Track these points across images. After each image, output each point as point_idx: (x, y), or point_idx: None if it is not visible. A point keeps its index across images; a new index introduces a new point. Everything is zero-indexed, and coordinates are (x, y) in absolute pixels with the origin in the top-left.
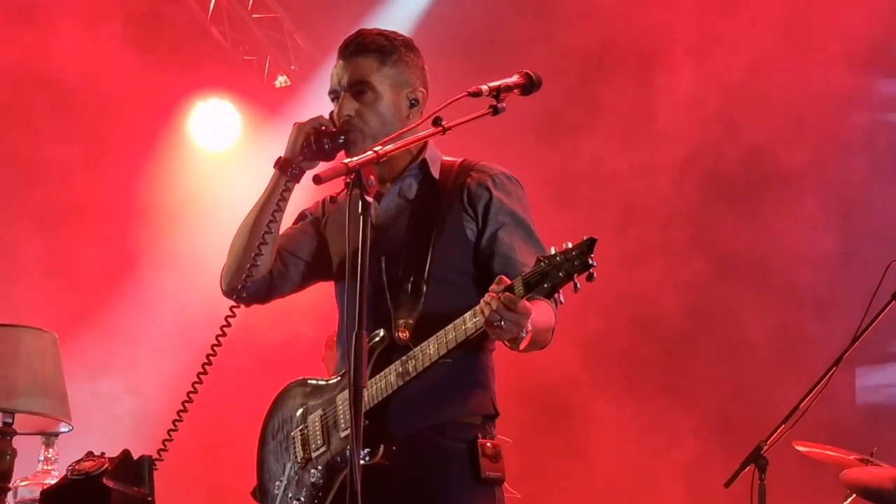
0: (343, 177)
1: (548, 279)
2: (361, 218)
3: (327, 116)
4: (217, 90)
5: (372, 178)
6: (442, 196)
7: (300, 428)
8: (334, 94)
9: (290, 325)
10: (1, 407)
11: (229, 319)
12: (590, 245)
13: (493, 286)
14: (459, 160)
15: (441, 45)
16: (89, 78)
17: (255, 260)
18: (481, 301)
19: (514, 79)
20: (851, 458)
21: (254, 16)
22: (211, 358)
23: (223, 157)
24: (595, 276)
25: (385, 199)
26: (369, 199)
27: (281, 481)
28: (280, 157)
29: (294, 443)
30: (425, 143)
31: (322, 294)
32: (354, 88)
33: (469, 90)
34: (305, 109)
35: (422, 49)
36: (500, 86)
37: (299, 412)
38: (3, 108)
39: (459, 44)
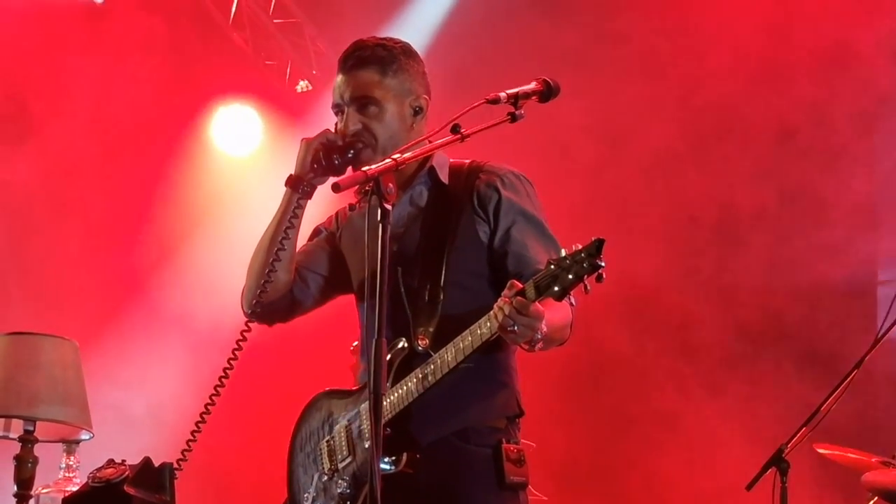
0: (356, 188)
1: (558, 282)
2: (381, 226)
3: (334, 130)
4: (239, 95)
5: (391, 185)
6: (453, 201)
7: (327, 438)
8: (337, 108)
9: (311, 332)
10: (22, 415)
11: (245, 334)
12: (598, 246)
13: (506, 291)
14: (468, 162)
15: (460, 49)
16: (111, 82)
17: (268, 277)
18: (494, 306)
19: (532, 86)
20: (873, 460)
21: (275, 21)
22: (228, 371)
23: (245, 161)
24: (604, 276)
25: (396, 209)
26: (388, 206)
27: (309, 493)
28: (290, 175)
29: (321, 453)
30: None
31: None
32: (358, 102)
33: (487, 97)
34: (327, 114)
35: (440, 53)
36: (518, 93)
37: (326, 423)
38: (25, 109)
39: (479, 48)
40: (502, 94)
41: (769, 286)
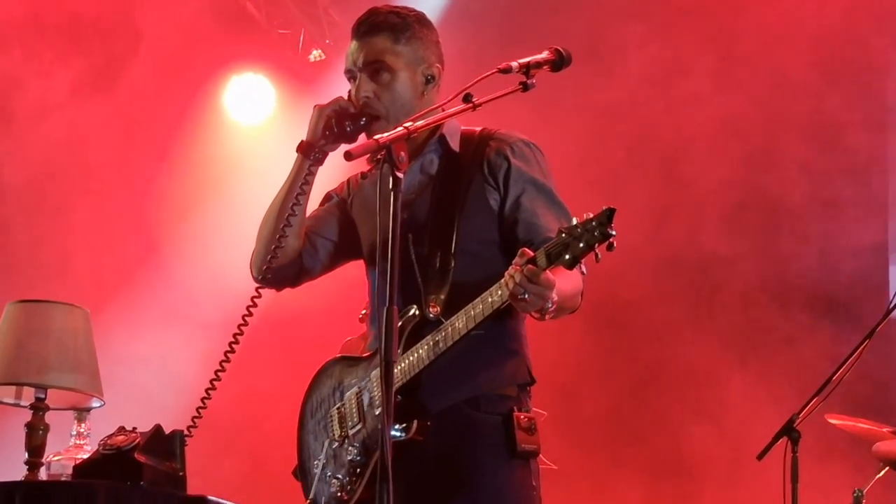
0: (368, 156)
1: (569, 250)
2: (392, 194)
3: (346, 97)
4: (252, 64)
5: (403, 153)
6: (463, 169)
7: (337, 405)
8: (350, 74)
9: (321, 298)
10: (33, 382)
11: (255, 300)
12: (609, 215)
13: (516, 259)
14: (479, 130)
15: (474, 19)
16: (123, 50)
17: (279, 242)
18: (505, 274)
19: (544, 55)
20: (885, 430)
21: None
22: (238, 337)
23: (258, 130)
24: (615, 245)
25: (407, 177)
26: (400, 174)
27: (319, 460)
28: (302, 141)
29: (332, 420)
30: None
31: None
32: (370, 69)
33: (499, 66)
34: (340, 84)
35: (454, 23)
36: (529, 62)
37: (336, 390)
38: (38, 78)
39: (493, 18)
40: (514, 64)
41: (810, 252)
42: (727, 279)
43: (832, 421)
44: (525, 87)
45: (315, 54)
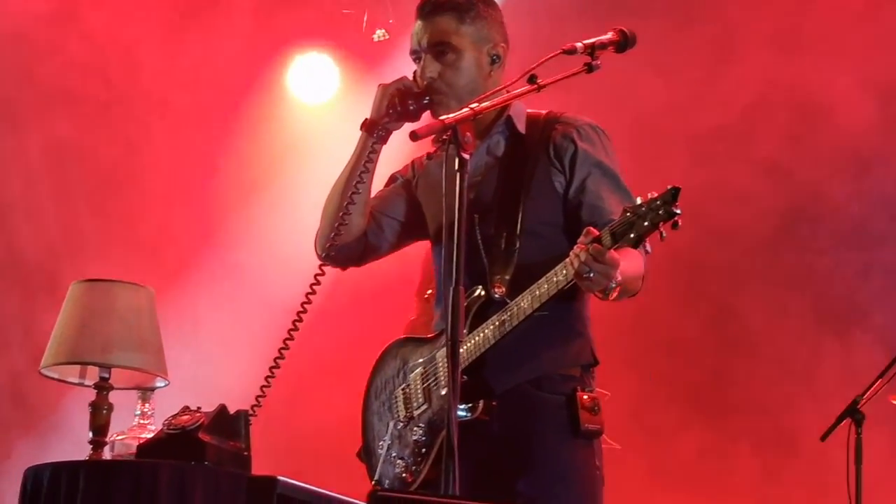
0: (434, 136)
1: (634, 229)
2: (458, 175)
3: (412, 77)
4: (315, 43)
5: (468, 134)
6: (529, 151)
7: (402, 386)
8: (415, 55)
9: (385, 278)
10: (98, 362)
11: (318, 278)
12: (674, 194)
13: (581, 238)
14: (545, 112)
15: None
16: (187, 32)
17: (342, 220)
18: (570, 253)
19: (609, 36)
20: None
21: None
22: (302, 316)
23: (321, 110)
24: (680, 224)
25: (474, 158)
26: (466, 155)
27: (384, 441)
28: (366, 119)
29: (397, 401)
30: None
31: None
32: (435, 49)
33: (564, 47)
34: (403, 63)
35: (518, 4)
36: (594, 43)
37: (401, 371)
38: (105, 63)
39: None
40: (578, 45)
41: None
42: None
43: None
44: (590, 69)
45: (379, 34)
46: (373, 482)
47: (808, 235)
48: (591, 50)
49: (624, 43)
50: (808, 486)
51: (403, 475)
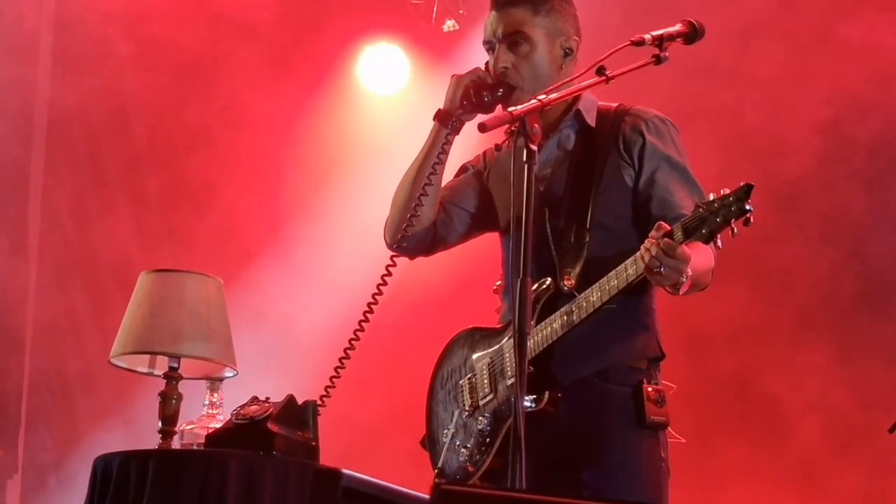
0: (506, 126)
1: (706, 225)
2: (527, 166)
3: (484, 67)
4: (385, 34)
5: (536, 126)
6: (599, 144)
7: (468, 376)
8: (489, 45)
9: (454, 269)
10: (167, 351)
11: (390, 269)
12: (746, 191)
13: (653, 232)
14: (615, 105)
15: None
16: (257, 21)
17: (415, 210)
18: (641, 247)
19: (678, 27)
20: None
21: None
22: (372, 307)
23: (391, 101)
24: (752, 220)
25: (544, 152)
26: (534, 147)
27: (448, 430)
28: (439, 110)
29: (462, 391)
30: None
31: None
32: (509, 40)
33: (632, 39)
34: (473, 54)
35: None
36: (663, 34)
37: (468, 361)
38: (173, 56)
39: None
40: (647, 36)
41: None
42: None
43: None
44: (658, 60)
45: (449, 24)
46: (435, 470)
47: None
48: (660, 41)
49: (693, 34)
50: None
51: (466, 464)
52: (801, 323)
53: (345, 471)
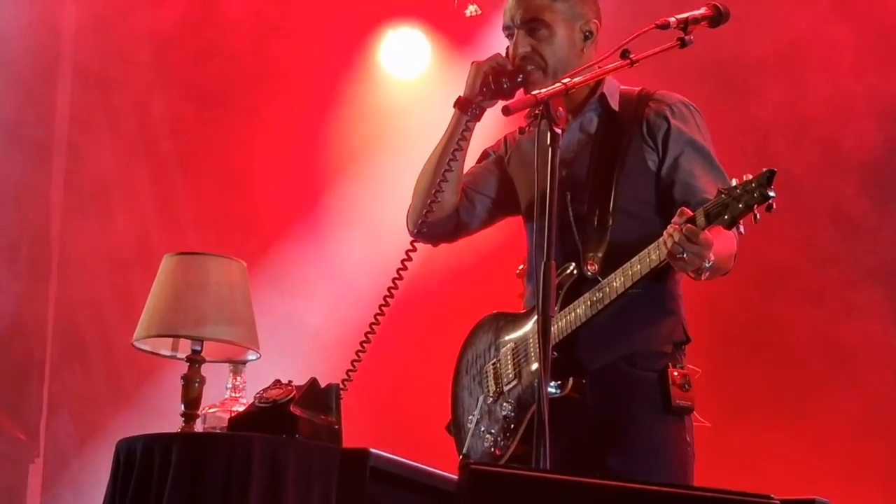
0: (526, 112)
1: (728, 210)
2: (550, 149)
3: (504, 54)
4: (408, 18)
5: (560, 109)
6: (622, 128)
7: (493, 361)
8: (508, 31)
9: (477, 254)
10: (190, 334)
11: (410, 254)
12: (769, 177)
13: (675, 218)
14: (638, 90)
15: None
16: (281, 6)
17: (435, 197)
18: (664, 233)
19: (703, 11)
20: None
21: None
22: (393, 291)
23: (413, 85)
24: (774, 206)
25: (567, 135)
26: (558, 130)
27: (473, 415)
28: (460, 97)
29: (487, 376)
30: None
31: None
32: (528, 25)
33: (657, 22)
34: (495, 40)
35: None
36: (688, 18)
37: (492, 346)
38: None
39: None
40: (671, 20)
41: None
42: None
43: None
44: (683, 44)
45: (471, 9)
46: (461, 455)
47: None
48: (685, 25)
49: (718, 18)
50: None
51: (492, 449)
52: None
53: (373, 450)
